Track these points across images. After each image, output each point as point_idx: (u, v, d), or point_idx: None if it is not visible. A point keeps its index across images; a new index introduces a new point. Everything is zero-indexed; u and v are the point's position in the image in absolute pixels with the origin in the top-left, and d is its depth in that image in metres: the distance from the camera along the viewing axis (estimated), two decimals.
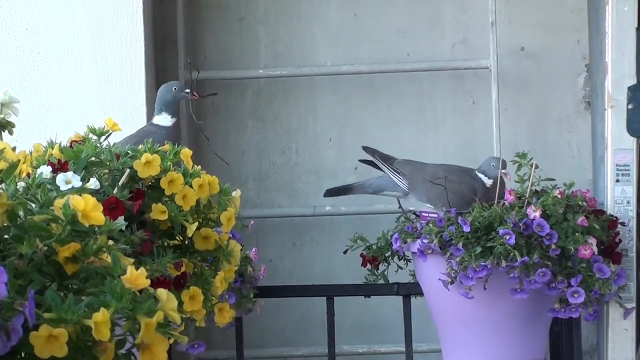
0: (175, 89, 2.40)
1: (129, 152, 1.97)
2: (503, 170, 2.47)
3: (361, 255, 2.63)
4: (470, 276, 2.31)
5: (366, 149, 2.63)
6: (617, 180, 2.60)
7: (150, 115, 2.80)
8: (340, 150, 3.14)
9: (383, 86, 3.13)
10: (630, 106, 2.60)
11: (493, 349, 2.45)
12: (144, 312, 1.27)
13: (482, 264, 2.30)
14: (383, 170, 2.60)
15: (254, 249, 2.50)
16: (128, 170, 1.92)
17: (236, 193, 2.06)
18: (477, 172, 2.53)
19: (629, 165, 2.60)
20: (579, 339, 2.60)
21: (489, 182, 2.50)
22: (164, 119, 2.40)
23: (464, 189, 2.49)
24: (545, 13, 3.11)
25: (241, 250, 2.13)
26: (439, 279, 2.35)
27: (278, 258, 3.13)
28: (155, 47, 2.99)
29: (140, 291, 1.30)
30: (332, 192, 2.71)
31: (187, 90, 2.40)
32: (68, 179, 1.58)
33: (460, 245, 2.32)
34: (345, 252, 2.65)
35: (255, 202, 3.13)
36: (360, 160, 2.69)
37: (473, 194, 2.47)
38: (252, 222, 2.50)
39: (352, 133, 3.13)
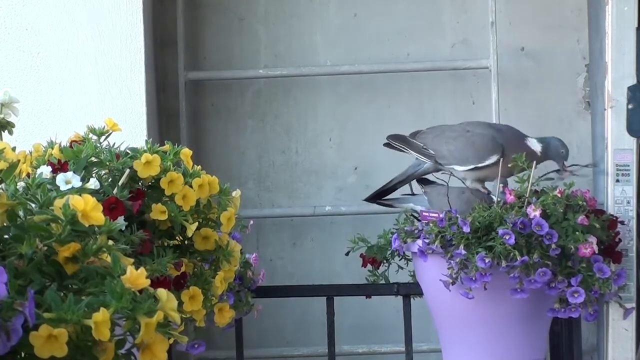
0: (563, 152, 2.50)
1: (129, 152, 1.97)
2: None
3: (361, 256, 2.62)
4: (474, 279, 2.30)
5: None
6: (617, 180, 2.60)
7: (150, 114, 2.80)
8: (340, 150, 3.13)
9: (383, 86, 3.13)
10: (630, 106, 2.60)
11: (493, 348, 2.45)
12: (144, 312, 1.27)
13: (487, 262, 2.29)
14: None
15: (254, 254, 2.50)
16: (128, 170, 1.92)
17: (236, 193, 2.06)
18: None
19: (629, 165, 2.60)
20: (579, 339, 2.59)
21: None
22: (536, 145, 2.48)
23: (470, 196, 2.48)
24: (545, 13, 3.11)
25: (241, 253, 2.13)
26: (440, 280, 2.35)
27: (278, 258, 3.13)
28: (155, 47, 2.99)
29: (140, 291, 1.30)
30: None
31: (571, 168, 2.51)
32: (68, 179, 1.59)
33: (462, 247, 2.31)
34: (347, 254, 2.64)
35: (255, 202, 3.13)
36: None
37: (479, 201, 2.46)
38: (251, 222, 2.50)
39: (352, 133, 3.13)
